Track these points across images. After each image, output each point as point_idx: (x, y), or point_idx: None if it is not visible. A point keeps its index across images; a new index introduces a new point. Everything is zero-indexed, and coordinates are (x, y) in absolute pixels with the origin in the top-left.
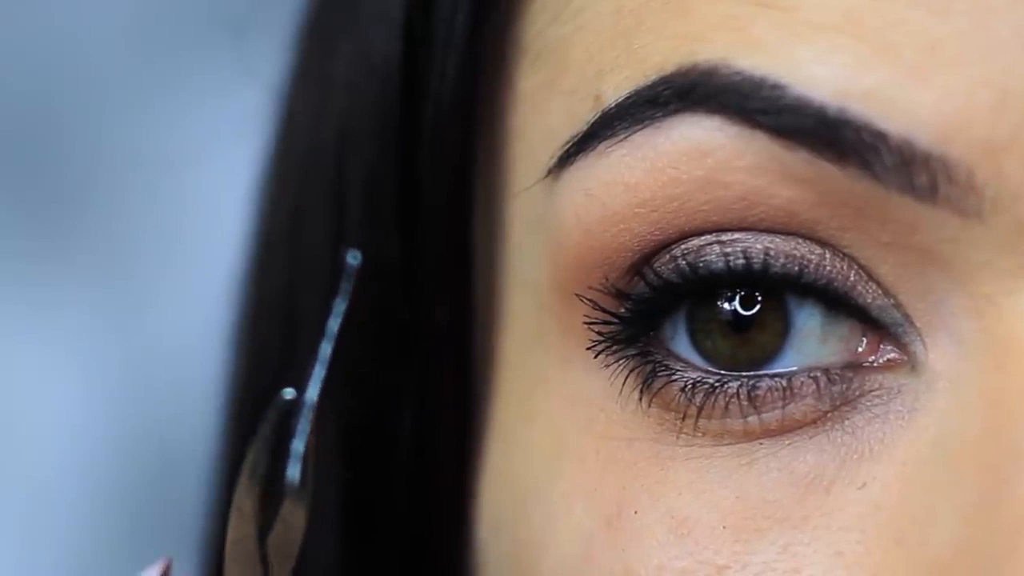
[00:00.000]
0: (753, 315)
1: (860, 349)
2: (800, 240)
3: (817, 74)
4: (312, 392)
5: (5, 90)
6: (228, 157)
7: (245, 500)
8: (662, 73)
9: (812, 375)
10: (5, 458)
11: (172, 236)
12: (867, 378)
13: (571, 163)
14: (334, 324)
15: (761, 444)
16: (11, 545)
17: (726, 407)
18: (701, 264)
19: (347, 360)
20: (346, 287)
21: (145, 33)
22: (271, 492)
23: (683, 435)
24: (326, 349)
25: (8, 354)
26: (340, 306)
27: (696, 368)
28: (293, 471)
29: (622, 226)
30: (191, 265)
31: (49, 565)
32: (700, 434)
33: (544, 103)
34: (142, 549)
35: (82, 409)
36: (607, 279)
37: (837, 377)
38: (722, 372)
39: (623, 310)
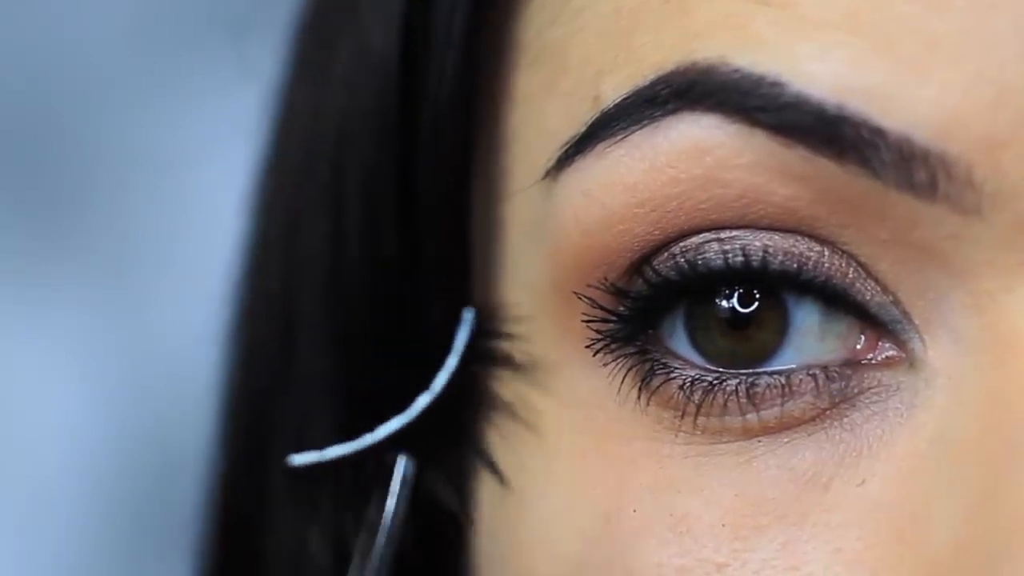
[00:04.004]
0: (752, 313)
1: (859, 346)
2: (799, 237)
3: (816, 71)
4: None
5: (5, 90)
6: (228, 157)
7: None
8: (660, 72)
9: (811, 372)
10: (5, 458)
11: (172, 236)
12: (866, 375)
13: (570, 164)
14: (442, 379)
15: (760, 442)
16: (11, 545)
17: (725, 405)
18: (700, 262)
19: (344, 361)
20: (458, 346)
21: (145, 33)
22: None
23: (682, 433)
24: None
25: (8, 354)
26: (452, 362)
27: (695, 366)
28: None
29: (621, 226)
30: (191, 265)
31: (49, 565)
32: (699, 432)
33: (542, 105)
34: (142, 549)
35: (82, 409)
36: (606, 278)
37: (836, 374)
38: (721, 370)
39: (622, 308)
